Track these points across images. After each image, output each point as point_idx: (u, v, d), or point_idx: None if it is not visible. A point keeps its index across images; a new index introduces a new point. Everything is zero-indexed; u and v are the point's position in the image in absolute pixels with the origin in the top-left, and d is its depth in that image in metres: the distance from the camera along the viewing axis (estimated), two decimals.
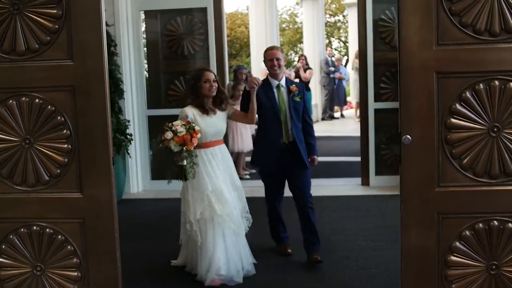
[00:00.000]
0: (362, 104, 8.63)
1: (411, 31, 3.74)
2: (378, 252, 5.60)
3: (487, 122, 3.75)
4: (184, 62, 8.74)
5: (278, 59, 5.47)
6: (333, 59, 17.76)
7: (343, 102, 17.64)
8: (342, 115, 18.07)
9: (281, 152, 5.48)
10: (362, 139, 8.51)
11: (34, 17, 3.89)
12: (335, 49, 27.18)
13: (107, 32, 7.74)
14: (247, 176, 9.64)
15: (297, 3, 24.84)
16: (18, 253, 4.14)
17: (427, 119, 3.78)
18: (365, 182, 8.42)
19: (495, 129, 3.73)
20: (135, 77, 8.71)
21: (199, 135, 4.95)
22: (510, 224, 3.79)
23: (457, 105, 3.75)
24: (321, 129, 14.97)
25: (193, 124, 4.99)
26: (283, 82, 5.54)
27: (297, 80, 14.07)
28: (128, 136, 8.04)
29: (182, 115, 5.12)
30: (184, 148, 4.86)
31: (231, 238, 5.15)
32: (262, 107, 5.45)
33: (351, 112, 18.33)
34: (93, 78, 3.92)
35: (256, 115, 5.43)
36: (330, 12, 27.26)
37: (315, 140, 5.70)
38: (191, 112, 5.13)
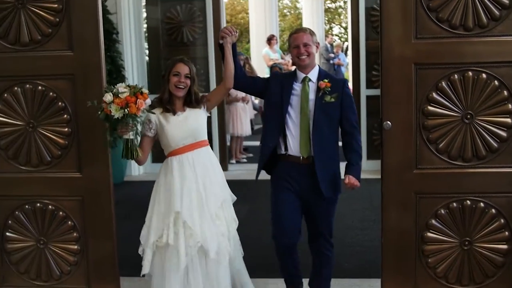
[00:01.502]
0: (355, 91, 8.74)
1: (392, 25, 4.00)
2: (364, 231, 5.86)
3: (461, 109, 4.00)
4: (184, 49, 8.90)
5: (306, 45, 4.05)
6: (333, 46, 17.92)
7: None
8: None
9: (297, 169, 4.10)
10: None
11: (37, 10, 4.17)
12: (336, 35, 27.28)
13: (109, 20, 8.05)
14: (244, 160, 9.93)
15: None
16: (23, 227, 4.45)
17: (406, 106, 4.04)
18: None
19: (469, 116, 4.00)
20: (136, 63, 8.95)
21: (148, 101, 3.82)
22: (481, 204, 4.08)
23: (433, 94, 4.01)
24: None
25: (141, 87, 3.83)
26: (312, 75, 4.11)
27: (292, 68, 14.20)
28: None
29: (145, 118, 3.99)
30: (126, 111, 3.69)
31: (201, 269, 3.94)
32: (269, 105, 4.20)
33: None
34: (91, 68, 4.20)
35: (232, 79, 4.08)
36: None
37: (359, 156, 4.19)
38: (155, 115, 4.00)
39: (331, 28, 27.95)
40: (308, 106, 4.04)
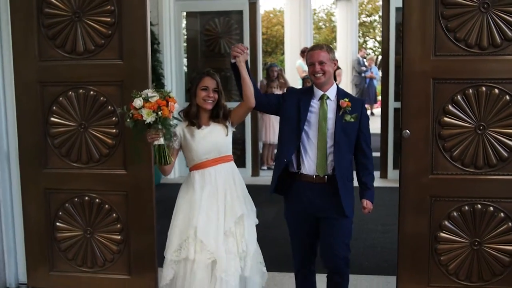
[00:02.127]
0: (383, 103, 9.12)
1: (413, 44, 4.35)
2: (385, 234, 6.19)
3: (475, 121, 4.32)
4: (221, 59, 9.27)
5: (322, 63, 3.96)
6: (363, 59, 18.18)
7: (373, 101, 17.99)
8: (372, 113, 18.48)
9: (311, 188, 4.01)
10: (382, 135, 9.00)
11: (92, 23, 4.60)
12: (370, 49, 27.47)
13: (151, 31, 8.51)
14: None
15: (333, 3, 25.28)
16: (72, 218, 4.86)
17: (424, 117, 4.37)
18: (384, 175, 8.95)
19: (481, 127, 4.31)
20: (175, 72, 9.38)
21: (176, 105, 3.73)
22: (491, 208, 4.39)
23: (449, 106, 4.34)
24: None
25: (169, 92, 3.82)
26: (331, 93, 4.02)
27: None
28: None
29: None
30: (159, 114, 3.61)
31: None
32: (285, 120, 4.09)
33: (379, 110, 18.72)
34: (139, 76, 4.59)
35: (253, 97, 3.96)
36: (366, 12, 27.57)
37: (373, 178, 4.15)
38: (180, 128, 3.99)
39: (365, 41, 28.11)
40: (327, 124, 3.97)
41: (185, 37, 9.80)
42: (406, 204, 4.49)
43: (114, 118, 4.66)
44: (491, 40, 4.25)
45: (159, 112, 3.61)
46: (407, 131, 4.40)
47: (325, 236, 4.05)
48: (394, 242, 5.78)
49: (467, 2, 4.22)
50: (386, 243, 5.92)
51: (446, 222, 4.45)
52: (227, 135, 3.98)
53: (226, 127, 3.99)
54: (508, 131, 4.30)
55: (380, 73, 18.68)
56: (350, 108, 3.96)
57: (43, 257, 4.92)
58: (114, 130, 4.68)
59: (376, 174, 8.97)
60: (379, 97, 19.39)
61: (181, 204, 3.99)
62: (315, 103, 4.02)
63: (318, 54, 3.98)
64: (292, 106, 4.03)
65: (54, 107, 4.73)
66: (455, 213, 4.43)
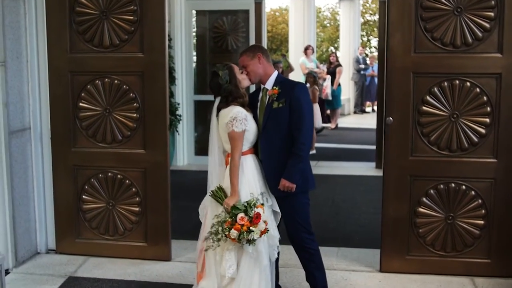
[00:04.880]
0: (379, 99, 9.38)
1: (396, 42, 4.88)
2: (376, 216, 6.48)
3: (449, 110, 4.82)
4: (228, 55, 9.54)
5: (244, 66, 4.21)
6: (366, 57, 18.33)
7: (374, 98, 18.09)
8: (373, 110, 18.70)
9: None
10: (378, 128, 9.39)
11: (117, 21, 5.12)
12: (374, 47, 27.73)
13: None
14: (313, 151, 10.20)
15: (337, 2, 25.56)
16: (96, 192, 5.37)
17: (405, 106, 4.88)
18: (379, 165, 9.25)
19: (455, 116, 4.83)
20: (185, 67, 9.72)
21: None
22: (463, 187, 4.89)
23: (427, 97, 4.84)
24: (351, 121, 16.47)
25: (255, 200, 3.93)
26: (269, 84, 4.23)
27: (327, 77, 14.49)
28: (178, 117, 9.15)
29: (240, 116, 4.01)
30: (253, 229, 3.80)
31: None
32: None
33: None
34: (157, 67, 5.09)
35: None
36: (370, 12, 27.72)
37: (299, 163, 4.13)
38: (243, 111, 4.08)
39: (369, 40, 28.30)
40: (263, 114, 4.20)
41: (195, 34, 10.07)
42: (389, 183, 4.97)
43: (135, 104, 5.15)
44: (463, 39, 4.74)
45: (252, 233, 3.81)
46: (391, 118, 4.89)
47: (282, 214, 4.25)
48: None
49: (443, 7, 4.73)
50: (375, 222, 6.29)
51: (424, 199, 4.92)
52: None
53: None
54: (478, 119, 4.80)
55: None
56: (276, 95, 4.15)
57: (70, 226, 5.40)
58: (135, 115, 5.17)
59: (372, 164, 9.57)
60: None
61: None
62: (260, 97, 4.30)
63: (240, 60, 4.27)
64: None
65: (82, 94, 5.22)
66: (432, 191, 4.91)
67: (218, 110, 4.17)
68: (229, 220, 3.84)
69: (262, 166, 4.19)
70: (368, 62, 18.10)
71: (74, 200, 5.39)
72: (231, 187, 3.98)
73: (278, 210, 4.16)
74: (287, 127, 4.14)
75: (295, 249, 4.37)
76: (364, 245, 5.82)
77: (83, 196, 5.39)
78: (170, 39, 9.02)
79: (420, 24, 4.80)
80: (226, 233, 3.82)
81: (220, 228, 3.87)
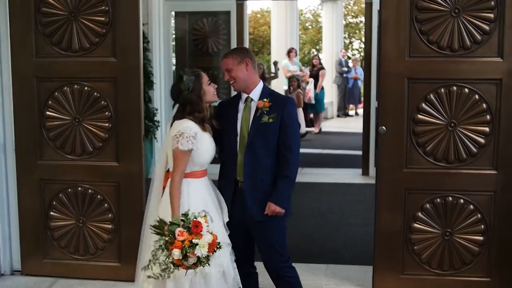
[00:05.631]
0: (366, 103, 9.30)
1: (389, 45, 4.61)
2: (365, 228, 6.43)
3: (446, 118, 4.57)
4: (209, 58, 9.35)
5: (228, 70, 3.86)
6: (348, 59, 18.31)
7: (357, 101, 18.16)
8: (356, 113, 18.72)
9: (235, 194, 3.90)
10: (364, 134, 9.18)
11: (87, 22, 4.83)
12: (356, 49, 27.72)
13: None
14: None
15: (319, 4, 25.48)
16: (65, 208, 5.07)
17: (399, 114, 4.61)
18: (365, 172, 9.15)
19: (452, 124, 4.57)
20: (164, 70, 9.47)
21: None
22: (461, 200, 4.64)
23: (423, 104, 4.59)
24: (335, 125, 16.27)
25: (200, 217, 3.39)
26: (255, 94, 3.88)
27: (310, 80, 14.33)
28: (156, 123, 8.87)
29: (188, 132, 3.61)
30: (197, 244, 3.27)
31: None
32: (223, 130, 3.93)
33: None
34: (131, 73, 4.81)
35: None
36: (352, 14, 27.75)
37: (290, 186, 3.86)
38: (196, 126, 3.69)
39: (351, 42, 28.31)
40: (248, 127, 3.83)
41: (174, 36, 9.88)
42: (382, 196, 4.71)
43: (107, 113, 4.88)
44: (461, 42, 4.50)
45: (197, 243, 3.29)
46: (383, 127, 4.64)
47: (256, 242, 4.00)
48: (372, 235, 6.06)
49: (439, 7, 4.47)
50: (365, 236, 6.16)
51: (420, 214, 4.67)
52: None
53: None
54: (477, 128, 4.55)
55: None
56: (267, 108, 3.80)
57: (37, 245, 5.10)
58: (107, 124, 4.89)
59: (358, 171, 9.36)
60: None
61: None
62: (239, 107, 3.91)
63: (224, 62, 3.88)
64: (225, 116, 3.92)
65: (49, 102, 4.93)
66: (427, 205, 4.66)
67: (174, 119, 3.79)
68: (167, 238, 3.34)
69: (244, 186, 3.83)
70: (350, 64, 18.00)
71: (41, 217, 5.09)
72: (171, 211, 3.56)
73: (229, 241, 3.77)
74: (275, 145, 3.83)
75: (272, 279, 4.04)
76: (355, 262, 5.57)
77: (51, 213, 5.08)
78: (147, 42, 8.85)
79: (415, 26, 4.55)
80: (170, 258, 3.33)
81: (160, 253, 3.40)
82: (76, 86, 4.91)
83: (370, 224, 6.52)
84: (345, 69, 17.60)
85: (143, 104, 4.99)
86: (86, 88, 4.90)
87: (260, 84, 3.94)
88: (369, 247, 5.51)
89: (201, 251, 3.27)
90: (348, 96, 18.05)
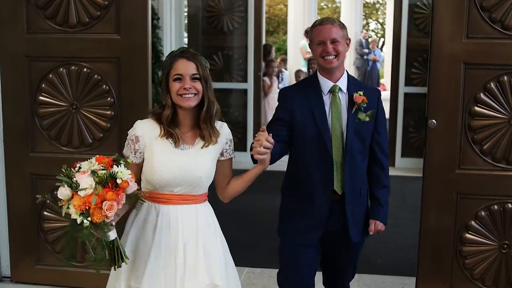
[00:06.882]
0: (393, 88, 8.96)
1: (443, 24, 4.01)
2: (396, 229, 5.89)
3: (509, 112, 4.02)
4: (223, 37, 9.08)
5: (334, 41, 3.05)
6: (368, 40, 18.05)
7: (376, 84, 17.84)
8: None
9: (329, 210, 3.18)
10: (391, 121, 8.78)
11: None
12: (372, 31, 27.36)
13: (151, 6, 8.15)
14: None
15: None
16: (60, 207, 4.48)
17: (452, 106, 4.06)
18: (391, 163, 8.57)
19: None
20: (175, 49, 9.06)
21: (129, 189, 2.49)
22: None
23: (481, 94, 4.02)
24: None
25: (117, 171, 2.47)
26: (342, 83, 3.17)
27: None
28: None
29: (130, 134, 2.84)
30: (88, 221, 2.44)
31: None
32: (299, 128, 3.15)
33: (385, 94, 18.63)
34: (137, 52, 4.32)
35: (232, 197, 3.04)
36: None
37: (388, 193, 3.38)
38: (146, 129, 2.81)
39: (367, 23, 28.09)
40: (341, 126, 3.14)
41: (186, 13, 9.61)
42: (430, 200, 4.18)
43: (109, 99, 4.40)
44: None
45: (88, 219, 2.46)
46: (434, 121, 4.08)
47: (331, 260, 3.51)
48: (406, 238, 5.62)
49: None
50: (398, 239, 5.67)
51: (473, 222, 4.15)
52: (211, 164, 2.87)
53: (216, 148, 2.88)
54: None
55: (382, 55, 18.60)
56: (365, 104, 3.14)
57: (28, 249, 4.70)
58: (109, 112, 4.42)
59: None
60: (382, 80, 19.41)
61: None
62: (324, 98, 3.17)
63: (329, 30, 3.06)
64: (302, 111, 3.14)
65: (43, 85, 4.48)
66: (483, 213, 4.14)
67: None
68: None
69: (347, 199, 3.16)
70: (370, 46, 17.67)
71: (33, 218, 4.65)
72: None
73: None
74: (367, 148, 3.24)
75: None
76: (390, 271, 5.07)
77: (44, 213, 4.62)
78: (157, 18, 8.45)
79: (475, 1, 3.97)
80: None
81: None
82: (73, 67, 4.42)
83: (401, 224, 6.10)
84: (366, 50, 17.45)
85: (152, 88, 4.56)
86: (85, 69, 4.41)
87: (346, 72, 3.24)
88: (405, 254, 5.23)
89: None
90: (367, 79, 17.68)
